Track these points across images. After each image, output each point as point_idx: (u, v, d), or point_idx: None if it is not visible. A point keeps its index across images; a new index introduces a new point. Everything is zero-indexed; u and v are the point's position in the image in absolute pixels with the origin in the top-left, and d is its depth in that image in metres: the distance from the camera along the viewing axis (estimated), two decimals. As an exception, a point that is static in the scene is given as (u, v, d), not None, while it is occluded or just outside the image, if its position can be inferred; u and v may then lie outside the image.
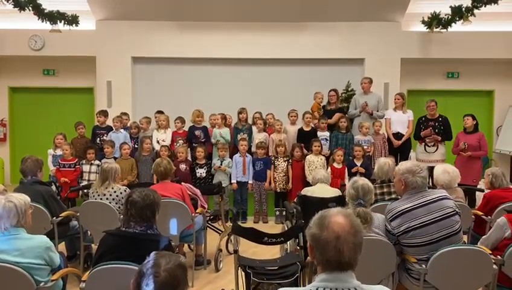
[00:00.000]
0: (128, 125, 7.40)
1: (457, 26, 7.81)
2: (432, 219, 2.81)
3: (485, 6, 7.23)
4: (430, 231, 2.80)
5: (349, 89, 8.32)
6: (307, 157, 6.60)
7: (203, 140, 6.97)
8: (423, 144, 6.80)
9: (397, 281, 3.05)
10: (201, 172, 6.50)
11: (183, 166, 6.38)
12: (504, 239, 3.13)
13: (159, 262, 1.63)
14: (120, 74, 8.65)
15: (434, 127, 6.74)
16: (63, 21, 7.72)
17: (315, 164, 6.44)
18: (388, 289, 1.65)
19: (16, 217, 2.66)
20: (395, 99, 7.19)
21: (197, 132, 7.02)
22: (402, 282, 3.03)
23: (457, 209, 2.88)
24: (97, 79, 8.72)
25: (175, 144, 6.92)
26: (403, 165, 3.02)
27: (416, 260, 2.85)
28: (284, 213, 6.31)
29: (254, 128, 7.26)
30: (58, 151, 6.57)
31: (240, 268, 3.20)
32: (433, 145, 6.74)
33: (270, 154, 6.87)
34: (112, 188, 4.31)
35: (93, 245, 4.51)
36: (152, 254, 1.69)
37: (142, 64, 8.88)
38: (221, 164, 6.57)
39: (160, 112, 7.55)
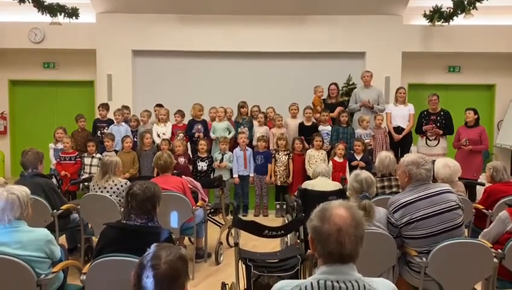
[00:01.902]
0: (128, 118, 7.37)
1: (459, 20, 7.75)
2: (434, 212, 2.80)
3: (487, 0, 7.19)
4: (431, 223, 2.79)
5: (350, 83, 8.29)
6: (308, 151, 6.60)
7: (202, 134, 6.93)
8: (424, 137, 6.80)
9: (398, 274, 3.05)
10: (202, 165, 6.49)
11: (182, 159, 6.36)
12: (505, 233, 3.13)
13: (159, 254, 1.63)
14: (120, 67, 8.61)
15: (436, 122, 6.74)
16: (63, 14, 7.69)
17: (315, 158, 6.43)
18: (389, 281, 1.65)
19: (19, 209, 2.65)
20: (400, 93, 7.14)
21: (196, 126, 6.99)
22: (402, 275, 3.03)
23: (460, 204, 2.87)
24: (97, 72, 8.69)
25: (176, 137, 6.90)
26: (408, 157, 3.01)
27: (417, 253, 2.85)
28: (284, 207, 6.32)
29: (255, 122, 7.25)
30: (59, 145, 6.57)
31: (240, 261, 3.20)
32: (435, 139, 6.73)
33: (270, 148, 6.86)
34: (113, 181, 4.31)
35: (93, 238, 4.51)
36: (152, 246, 1.69)
37: (143, 58, 8.84)
38: (222, 158, 6.56)
39: (159, 106, 7.52)
